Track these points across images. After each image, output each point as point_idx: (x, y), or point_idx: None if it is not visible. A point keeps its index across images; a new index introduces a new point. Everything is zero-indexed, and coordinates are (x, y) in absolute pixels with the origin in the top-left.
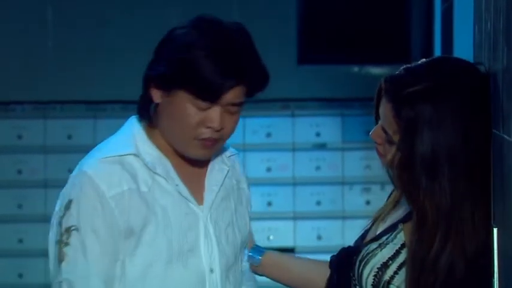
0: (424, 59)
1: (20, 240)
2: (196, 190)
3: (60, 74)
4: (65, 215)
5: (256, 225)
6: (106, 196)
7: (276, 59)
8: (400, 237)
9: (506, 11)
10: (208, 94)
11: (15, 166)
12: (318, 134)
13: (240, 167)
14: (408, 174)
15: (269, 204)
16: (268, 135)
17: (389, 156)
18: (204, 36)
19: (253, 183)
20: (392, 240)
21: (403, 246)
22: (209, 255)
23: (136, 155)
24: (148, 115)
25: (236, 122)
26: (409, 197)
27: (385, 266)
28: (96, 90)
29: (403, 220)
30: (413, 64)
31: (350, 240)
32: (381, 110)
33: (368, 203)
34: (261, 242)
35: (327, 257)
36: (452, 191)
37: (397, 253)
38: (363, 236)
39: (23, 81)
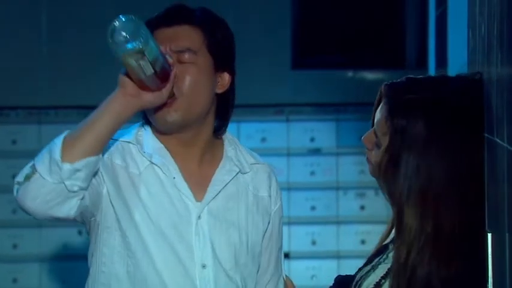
0: (430, 75)
1: (15, 246)
2: (199, 188)
3: (54, 79)
4: None
5: None
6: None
7: (270, 63)
8: (391, 257)
9: (500, 16)
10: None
11: (9, 171)
12: (312, 139)
13: (267, 176)
14: (392, 177)
15: None
16: (263, 140)
17: (375, 158)
18: None
19: None
20: (384, 261)
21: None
22: (201, 250)
23: (134, 144)
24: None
25: (193, 76)
26: (392, 201)
27: (378, 285)
28: (91, 96)
29: (393, 241)
30: (415, 76)
31: (344, 245)
32: (377, 113)
33: (362, 208)
34: None
35: (322, 262)
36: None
37: (389, 272)
38: (359, 270)
39: (17, 87)
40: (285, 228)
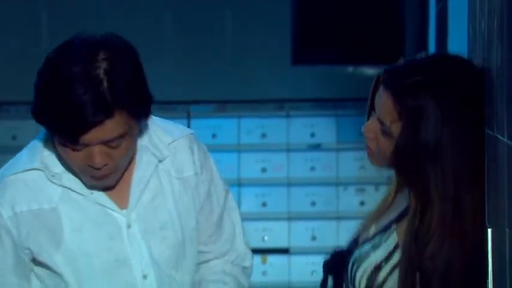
0: (424, 53)
1: None
2: (121, 193)
3: None
4: None
5: (250, 226)
6: (4, 217)
7: (270, 59)
8: (393, 238)
9: (500, 11)
10: (66, 138)
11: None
12: (312, 135)
13: (188, 151)
14: (411, 161)
15: (263, 204)
16: (263, 135)
17: (383, 146)
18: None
19: (247, 183)
20: (385, 241)
21: (396, 248)
22: (139, 261)
23: (40, 170)
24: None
25: (125, 150)
26: (412, 184)
27: (378, 268)
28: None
29: (396, 220)
30: (413, 58)
31: (345, 241)
32: (377, 101)
33: (362, 203)
34: (256, 242)
35: (322, 258)
36: (455, 177)
37: (389, 255)
38: (356, 237)
39: (17, 82)
40: (285, 224)
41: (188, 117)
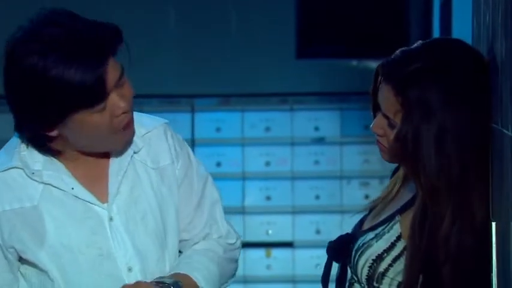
0: (419, 41)
1: None
2: (101, 186)
3: None
4: None
5: (254, 220)
6: None
7: (274, 53)
8: (396, 229)
9: (504, 4)
10: (95, 98)
11: None
12: (316, 128)
13: (163, 141)
14: (413, 148)
15: (268, 198)
16: (267, 129)
17: (392, 136)
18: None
19: (251, 177)
20: (388, 231)
21: (398, 238)
22: (123, 254)
23: (19, 168)
24: (43, 144)
25: (130, 87)
26: (416, 173)
27: (379, 258)
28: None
29: (401, 211)
30: (408, 48)
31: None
32: (380, 96)
33: (366, 197)
34: (260, 236)
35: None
36: (460, 162)
37: (392, 246)
38: (361, 224)
39: None
40: (289, 217)
41: (192, 111)
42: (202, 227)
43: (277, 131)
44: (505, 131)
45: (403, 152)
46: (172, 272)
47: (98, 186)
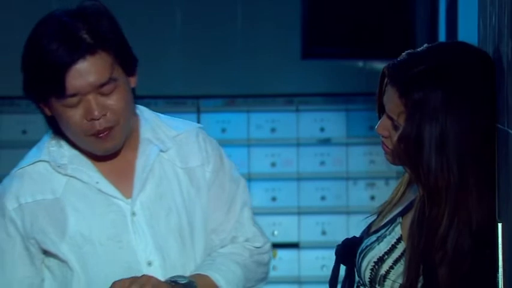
0: (426, 44)
1: None
2: (126, 181)
3: None
4: None
5: (260, 220)
6: (9, 209)
7: (280, 54)
8: (397, 231)
9: (510, 5)
10: (54, 87)
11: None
12: (322, 129)
13: (195, 143)
14: (415, 148)
15: (273, 199)
16: (273, 130)
17: (395, 138)
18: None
19: (257, 178)
20: (389, 234)
21: (399, 240)
22: (143, 248)
23: (45, 161)
24: (51, 127)
25: (121, 100)
26: (418, 174)
27: (381, 260)
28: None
29: (402, 213)
30: (414, 50)
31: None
32: (386, 98)
33: (372, 198)
34: None
35: (332, 252)
36: (459, 167)
37: (392, 248)
38: (369, 228)
39: None
40: (295, 218)
41: (198, 112)
42: (230, 229)
43: (283, 132)
44: (510, 131)
45: (406, 153)
46: (193, 273)
47: (123, 181)
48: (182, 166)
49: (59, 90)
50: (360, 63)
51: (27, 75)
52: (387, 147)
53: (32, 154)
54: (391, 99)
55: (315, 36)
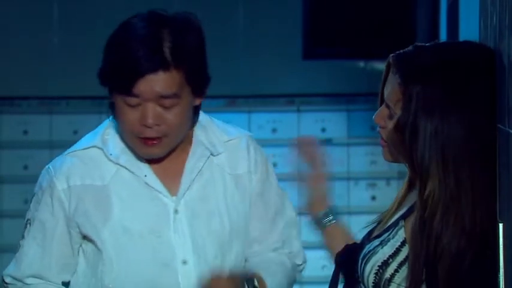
0: (436, 40)
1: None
2: (173, 180)
3: (66, 69)
4: (29, 209)
5: None
6: (58, 189)
7: (281, 54)
8: (401, 234)
9: (511, 5)
10: (122, 85)
11: (21, 161)
12: (323, 130)
13: (245, 150)
14: (410, 141)
15: None
16: (274, 130)
17: (390, 126)
18: (113, 33)
19: None
20: (393, 237)
21: (403, 243)
22: (181, 246)
23: (99, 148)
24: (113, 113)
25: (178, 116)
26: (412, 165)
27: (385, 264)
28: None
29: (404, 216)
30: (422, 44)
31: (355, 236)
32: (387, 86)
33: (373, 198)
34: None
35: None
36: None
37: (397, 251)
38: (369, 234)
39: (29, 77)
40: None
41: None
42: (274, 241)
43: (284, 132)
44: (511, 131)
45: (400, 141)
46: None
47: (171, 179)
48: (231, 172)
49: (124, 89)
50: (362, 64)
51: (104, 63)
52: (383, 140)
53: (87, 139)
54: (392, 86)
55: (317, 37)
